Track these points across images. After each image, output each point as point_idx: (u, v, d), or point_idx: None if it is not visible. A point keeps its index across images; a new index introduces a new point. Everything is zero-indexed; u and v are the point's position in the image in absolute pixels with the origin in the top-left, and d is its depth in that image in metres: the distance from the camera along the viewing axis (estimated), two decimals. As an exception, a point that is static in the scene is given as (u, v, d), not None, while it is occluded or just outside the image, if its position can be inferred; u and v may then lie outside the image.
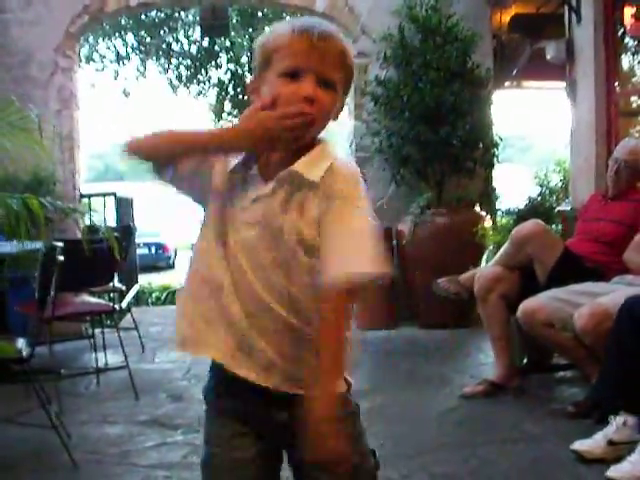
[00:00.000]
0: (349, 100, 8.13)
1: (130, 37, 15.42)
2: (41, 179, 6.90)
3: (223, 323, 1.78)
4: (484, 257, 6.11)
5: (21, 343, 4.02)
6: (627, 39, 7.13)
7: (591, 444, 3.69)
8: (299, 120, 1.69)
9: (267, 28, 13.55)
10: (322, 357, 1.66)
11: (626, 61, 7.26)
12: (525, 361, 5.43)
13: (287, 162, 1.74)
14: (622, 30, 6.93)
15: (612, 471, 3.42)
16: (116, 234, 5.00)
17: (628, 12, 6.81)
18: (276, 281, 1.73)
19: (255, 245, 1.73)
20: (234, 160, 1.78)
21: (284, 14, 12.66)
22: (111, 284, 5.81)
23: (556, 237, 5.11)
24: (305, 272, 1.72)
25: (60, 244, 4.37)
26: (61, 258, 4.33)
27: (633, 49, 7.26)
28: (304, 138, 1.74)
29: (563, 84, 7.37)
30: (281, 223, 1.71)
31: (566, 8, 7.06)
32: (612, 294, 4.20)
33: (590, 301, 4.22)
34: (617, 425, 3.69)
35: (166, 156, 1.76)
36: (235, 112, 17.38)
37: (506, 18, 9.15)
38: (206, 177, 1.81)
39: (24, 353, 3.94)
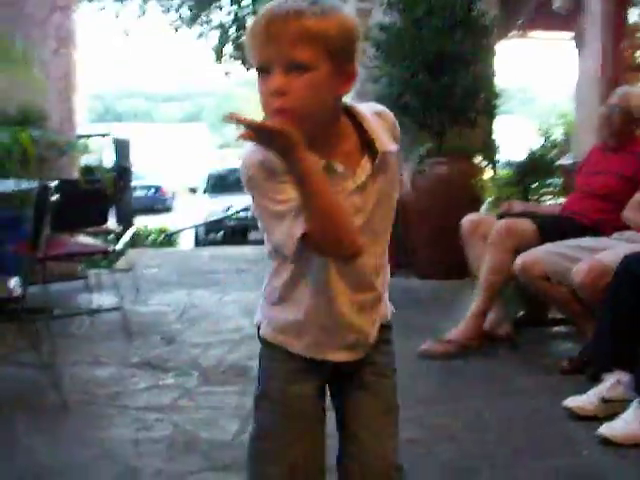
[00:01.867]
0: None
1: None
2: (30, 116, 6.73)
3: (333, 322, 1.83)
4: (482, 208, 6.05)
5: (14, 282, 4.00)
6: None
7: (584, 401, 3.68)
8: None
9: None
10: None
11: (634, 14, 7.14)
12: (521, 314, 5.41)
13: (345, 142, 1.74)
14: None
15: (604, 428, 3.40)
16: (113, 175, 4.96)
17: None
18: (374, 256, 1.85)
19: (363, 228, 1.76)
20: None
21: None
22: (106, 225, 5.77)
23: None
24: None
25: (54, 183, 4.32)
26: (55, 198, 4.29)
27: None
28: (314, 124, 1.65)
29: (569, 35, 7.28)
30: (380, 202, 1.79)
31: (576, -43, 6.95)
32: (611, 250, 4.17)
33: (588, 256, 4.19)
34: (610, 382, 3.68)
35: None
36: (236, 54, 17.23)
37: (514, -35, 9.01)
38: None
39: (17, 292, 3.92)
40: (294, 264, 1.77)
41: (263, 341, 1.91)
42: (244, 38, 1.71)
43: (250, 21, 1.71)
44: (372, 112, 1.81)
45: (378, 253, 1.87)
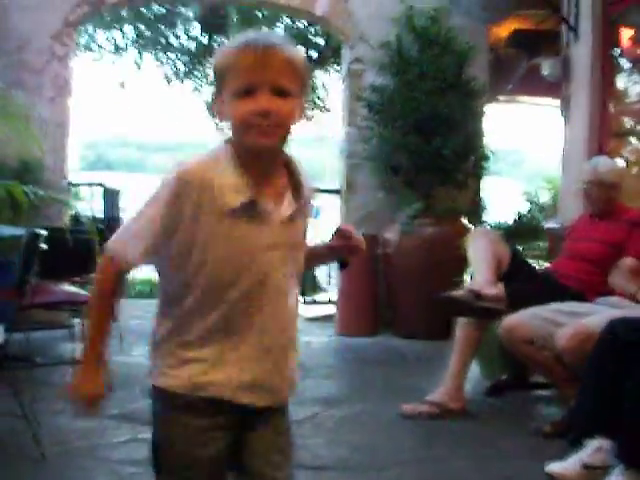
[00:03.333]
0: (343, 105, 8.12)
1: (129, 29, 15.36)
2: (28, 166, 6.84)
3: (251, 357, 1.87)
4: (467, 271, 6.08)
5: (-3, 329, 3.98)
6: (623, 60, 7.13)
7: (565, 466, 3.65)
8: None
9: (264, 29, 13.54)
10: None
11: (621, 82, 7.26)
12: (504, 377, 5.41)
13: (275, 178, 1.86)
14: (618, 51, 6.94)
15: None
16: (101, 225, 4.96)
17: (625, 34, 6.82)
18: (289, 293, 1.90)
19: (279, 265, 1.86)
20: (230, 201, 1.79)
21: (283, 16, 12.68)
22: (93, 275, 5.76)
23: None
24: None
25: (43, 231, 4.33)
26: (43, 245, 4.29)
27: (628, 70, 7.26)
28: (276, 149, 1.84)
29: (557, 101, 7.38)
30: (301, 236, 1.93)
31: (564, 26, 7.08)
32: (596, 315, 4.18)
33: (573, 320, 4.20)
34: (592, 449, 3.66)
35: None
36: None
37: (504, 33, 9.16)
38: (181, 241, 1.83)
39: (0, 339, 3.90)
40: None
41: (166, 395, 1.90)
42: (216, 66, 1.83)
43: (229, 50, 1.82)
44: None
45: (292, 298, 1.92)
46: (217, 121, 1.91)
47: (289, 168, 1.89)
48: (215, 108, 1.87)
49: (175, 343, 1.89)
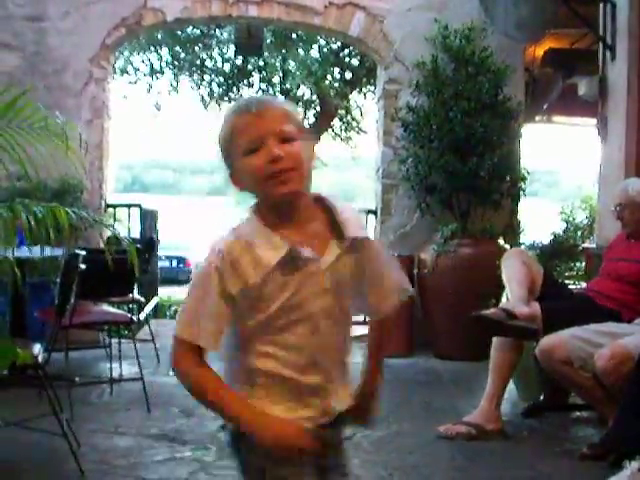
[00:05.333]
0: (379, 126, 8.14)
1: (165, 52, 15.52)
2: (69, 187, 6.95)
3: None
4: (504, 292, 6.05)
5: (37, 348, 4.03)
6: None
7: (605, 488, 3.63)
8: None
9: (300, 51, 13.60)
10: (381, 353, 2.16)
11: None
12: (542, 398, 5.37)
13: (312, 224, 1.92)
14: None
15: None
16: (138, 246, 5.00)
17: (663, 52, 6.79)
18: (335, 336, 1.96)
19: (331, 309, 1.92)
20: (270, 258, 1.85)
21: (318, 37, 12.75)
22: (130, 295, 5.81)
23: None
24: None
25: (82, 252, 4.38)
26: (82, 266, 4.34)
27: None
28: (300, 194, 1.89)
29: (594, 121, 7.34)
30: (345, 282, 1.95)
31: (601, 45, 7.05)
32: (634, 336, 4.16)
33: (611, 341, 4.18)
34: (632, 470, 3.62)
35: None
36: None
37: (540, 52, 9.15)
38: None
39: (40, 358, 3.95)
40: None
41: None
42: (219, 142, 1.94)
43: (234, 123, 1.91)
44: (351, 209, 2.00)
45: (344, 336, 2.00)
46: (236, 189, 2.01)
47: (324, 209, 1.95)
48: (233, 182, 1.94)
49: None
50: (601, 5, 7.05)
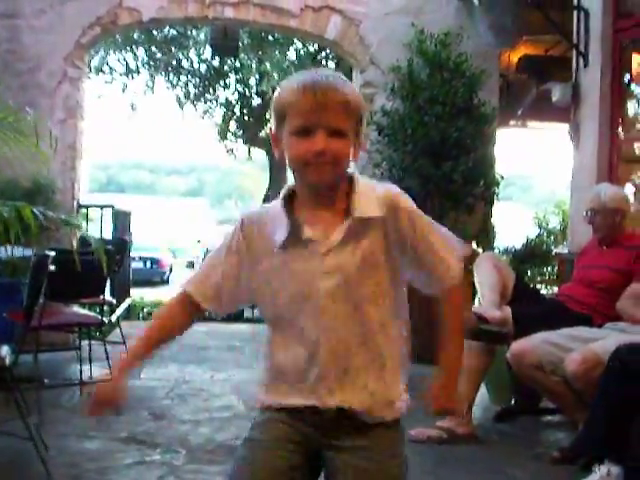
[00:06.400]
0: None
1: (141, 51, 15.47)
2: (40, 187, 6.89)
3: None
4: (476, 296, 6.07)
5: (5, 350, 3.98)
6: (632, 86, 7.15)
7: (574, 492, 3.64)
8: None
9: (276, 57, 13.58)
10: (455, 334, 2.18)
11: (631, 108, 7.27)
12: (513, 403, 5.39)
13: (332, 208, 1.92)
14: (628, 76, 6.95)
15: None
16: (110, 247, 4.97)
17: (636, 59, 6.84)
18: (351, 324, 1.93)
19: (335, 291, 1.89)
20: (278, 237, 1.91)
21: (295, 39, 12.74)
22: (102, 296, 5.77)
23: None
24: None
25: (52, 253, 4.34)
26: (52, 267, 4.30)
27: (638, 96, 7.28)
28: (334, 184, 1.92)
29: (567, 126, 7.39)
30: (364, 266, 1.91)
31: (574, 52, 7.10)
32: (604, 340, 4.18)
33: (582, 346, 4.19)
34: (601, 474, 3.65)
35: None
36: (240, 132, 17.39)
37: (514, 58, 9.19)
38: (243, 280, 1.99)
39: (7, 360, 3.90)
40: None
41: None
42: (277, 103, 1.93)
43: (275, 93, 1.96)
44: (385, 187, 1.98)
45: (361, 320, 1.93)
46: (275, 153, 2.00)
47: (350, 192, 1.94)
48: (273, 141, 1.98)
49: None
50: (575, 12, 7.10)
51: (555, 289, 5.67)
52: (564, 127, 7.76)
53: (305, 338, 1.91)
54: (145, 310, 14.08)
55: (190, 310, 2.05)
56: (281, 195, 1.96)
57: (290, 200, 1.95)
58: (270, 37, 13.68)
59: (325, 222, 1.91)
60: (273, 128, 1.97)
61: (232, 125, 17.45)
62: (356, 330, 1.93)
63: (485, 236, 7.66)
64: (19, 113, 3.91)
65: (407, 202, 1.95)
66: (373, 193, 1.93)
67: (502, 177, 7.77)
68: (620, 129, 6.75)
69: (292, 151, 1.89)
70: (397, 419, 2.04)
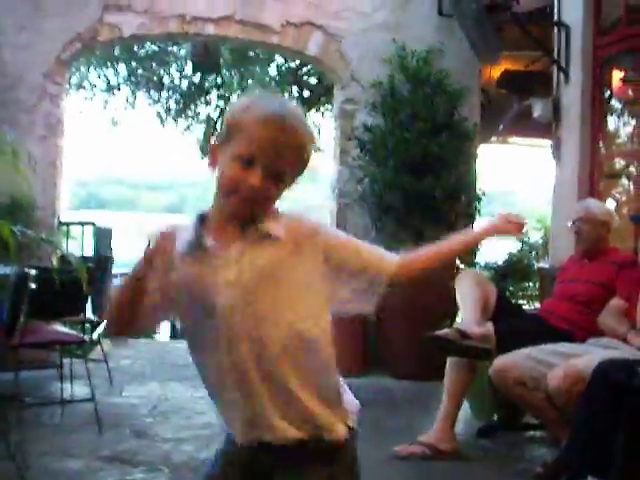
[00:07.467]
0: (335, 145, 8.16)
1: (122, 67, 15.43)
2: (20, 204, 6.85)
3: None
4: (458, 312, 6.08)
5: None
6: (613, 101, 7.20)
7: (557, 507, 3.64)
8: None
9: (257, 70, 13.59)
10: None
11: (611, 123, 7.32)
12: (496, 418, 5.38)
13: (240, 227, 1.86)
14: (609, 92, 7.00)
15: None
16: (91, 264, 4.94)
17: (616, 75, 6.88)
18: (253, 342, 1.85)
19: (238, 304, 1.82)
20: (178, 245, 1.87)
21: (276, 55, 12.76)
22: (82, 314, 5.73)
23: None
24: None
25: (32, 271, 4.32)
26: (32, 285, 4.28)
27: (619, 111, 7.33)
28: (251, 218, 1.85)
29: (548, 142, 7.42)
30: (266, 283, 1.84)
31: (555, 67, 7.14)
32: (586, 356, 4.18)
33: (564, 362, 4.20)
34: (584, 490, 3.65)
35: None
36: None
37: (495, 73, 9.23)
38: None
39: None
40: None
41: None
42: (233, 120, 1.86)
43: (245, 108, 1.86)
44: (294, 213, 1.93)
45: (260, 340, 1.84)
46: (208, 160, 1.92)
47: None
48: (212, 147, 1.92)
49: None
50: (555, 28, 7.14)
51: (537, 304, 5.68)
52: (545, 143, 7.81)
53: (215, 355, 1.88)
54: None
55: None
56: (195, 214, 1.91)
57: (202, 220, 1.89)
58: (251, 53, 13.68)
59: (230, 236, 1.85)
60: (217, 140, 1.91)
61: (213, 141, 17.42)
62: (281, 345, 1.86)
63: (467, 252, 7.66)
64: (-3, 132, 3.89)
65: (326, 227, 1.96)
66: (285, 220, 1.88)
67: (484, 193, 7.80)
68: (601, 144, 6.80)
69: (227, 173, 1.83)
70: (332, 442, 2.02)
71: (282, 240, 1.84)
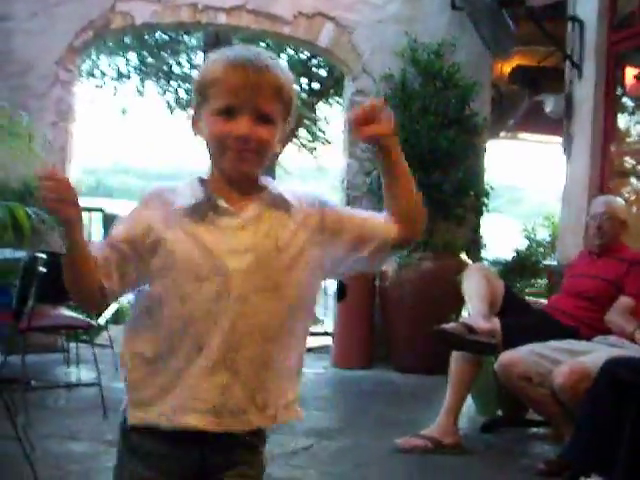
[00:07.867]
0: (344, 137, 8.15)
1: (132, 56, 15.43)
2: (31, 189, 6.84)
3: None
4: (465, 306, 6.08)
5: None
6: (625, 99, 7.18)
7: (560, 504, 3.64)
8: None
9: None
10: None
11: (623, 121, 7.30)
12: (500, 414, 5.39)
13: (246, 193, 1.77)
14: (621, 89, 6.98)
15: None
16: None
17: (630, 72, 6.86)
18: (268, 310, 1.74)
19: (251, 270, 1.71)
20: (188, 202, 1.74)
21: (287, 46, 12.74)
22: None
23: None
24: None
25: (42, 255, 4.32)
26: (42, 269, 4.29)
27: (631, 109, 7.31)
28: (253, 175, 1.78)
29: (559, 139, 7.40)
30: (283, 250, 1.75)
31: (568, 63, 7.11)
32: (593, 354, 4.18)
33: (570, 359, 4.20)
34: (587, 487, 3.65)
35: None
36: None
37: (507, 68, 9.22)
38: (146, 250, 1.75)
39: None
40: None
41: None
42: (200, 79, 1.77)
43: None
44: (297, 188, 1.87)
45: (276, 311, 1.74)
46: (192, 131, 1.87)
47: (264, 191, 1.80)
48: (193, 125, 1.82)
49: None
50: (569, 24, 7.11)
51: (544, 301, 5.67)
52: (556, 139, 7.79)
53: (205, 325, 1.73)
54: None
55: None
56: (193, 176, 1.81)
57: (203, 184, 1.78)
58: (262, 43, 13.67)
59: (238, 198, 1.76)
60: (193, 108, 1.81)
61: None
62: (275, 325, 1.76)
63: (474, 247, 7.67)
64: (13, 116, 3.89)
65: (327, 197, 1.89)
66: (290, 189, 1.82)
67: (492, 188, 7.79)
68: (612, 142, 6.78)
69: (211, 131, 1.74)
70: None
71: (294, 207, 1.77)
